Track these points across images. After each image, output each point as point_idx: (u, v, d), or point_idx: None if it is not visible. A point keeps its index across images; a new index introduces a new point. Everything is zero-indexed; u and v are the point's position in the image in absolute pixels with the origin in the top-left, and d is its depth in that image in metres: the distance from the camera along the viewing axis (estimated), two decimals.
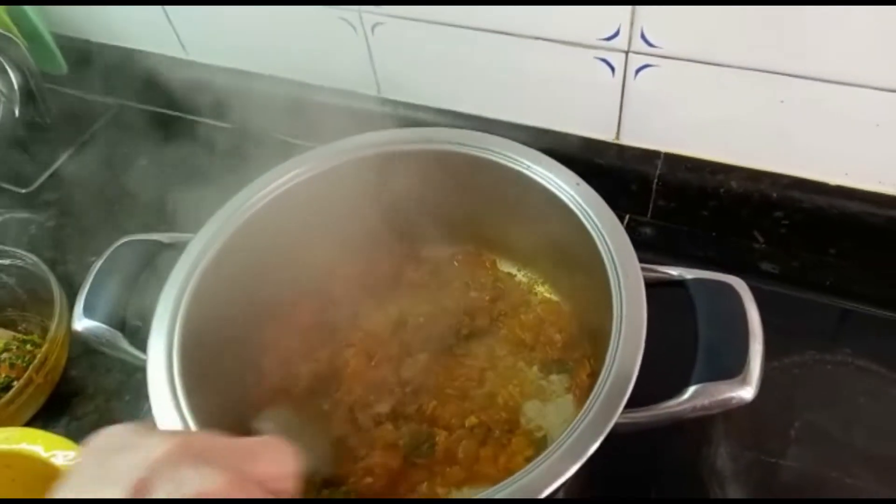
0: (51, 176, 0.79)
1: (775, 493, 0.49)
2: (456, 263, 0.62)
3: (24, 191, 0.77)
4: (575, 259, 0.51)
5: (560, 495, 0.48)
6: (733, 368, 0.41)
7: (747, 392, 0.40)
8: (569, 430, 0.40)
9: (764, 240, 0.60)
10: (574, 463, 0.38)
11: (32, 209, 0.76)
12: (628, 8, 0.50)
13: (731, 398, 0.40)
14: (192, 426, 0.42)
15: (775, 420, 0.52)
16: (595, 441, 0.39)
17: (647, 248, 0.48)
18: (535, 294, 0.60)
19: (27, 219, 0.75)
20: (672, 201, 0.62)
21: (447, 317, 0.56)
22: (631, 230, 0.52)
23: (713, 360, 0.41)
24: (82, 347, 0.62)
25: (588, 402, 0.41)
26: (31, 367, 0.54)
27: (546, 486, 0.37)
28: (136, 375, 0.62)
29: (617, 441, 0.51)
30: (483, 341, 0.56)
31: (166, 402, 0.43)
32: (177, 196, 0.74)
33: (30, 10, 0.72)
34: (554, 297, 0.59)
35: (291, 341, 0.58)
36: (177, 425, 0.42)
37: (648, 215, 0.64)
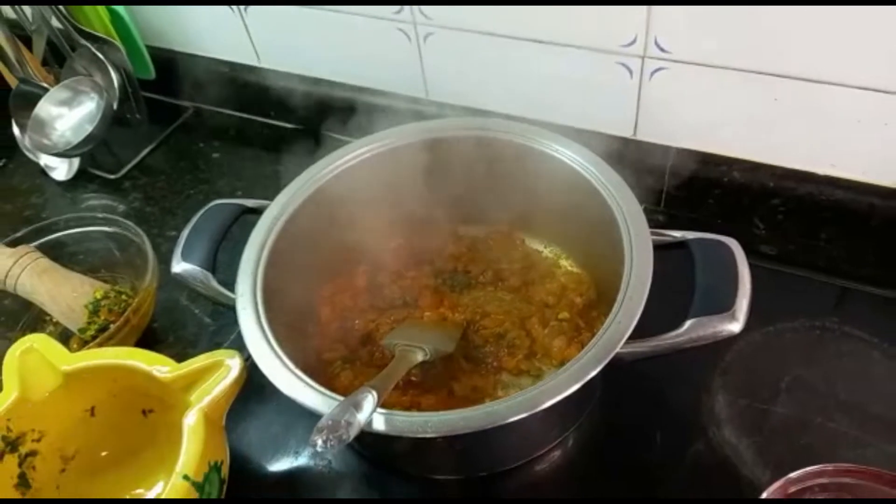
0: (136, 166, 0.90)
1: (765, 434, 0.56)
2: (490, 242, 0.71)
3: (112, 177, 0.88)
4: (595, 229, 0.59)
5: (572, 429, 0.56)
6: (724, 306, 0.48)
7: (735, 325, 0.48)
8: (579, 355, 0.48)
9: (763, 226, 0.68)
10: (579, 381, 0.46)
11: (120, 193, 0.87)
12: (644, 18, 0.60)
13: (722, 330, 0.48)
14: (277, 347, 0.51)
15: (768, 374, 0.60)
16: (601, 363, 0.47)
17: None
18: (560, 267, 0.68)
19: (115, 200, 0.86)
20: (682, 191, 0.70)
21: (485, 273, 0.66)
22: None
23: (707, 299, 0.49)
24: (163, 307, 0.72)
25: (598, 334, 0.49)
26: (128, 310, 0.63)
27: (558, 395, 0.45)
28: (208, 328, 0.72)
29: (627, 387, 0.59)
30: (513, 295, 0.65)
31: (253, 328, 0.53)
32: (245, 185, 0.85)
33: (128, 21, 0.84)
34: (576, 270, 0.67)
35: (346, 299, 0.67)
36: (263, 346, 0.51)
37: (661, 205, 0.72)
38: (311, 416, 0.62)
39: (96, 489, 0.58)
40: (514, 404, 0.45)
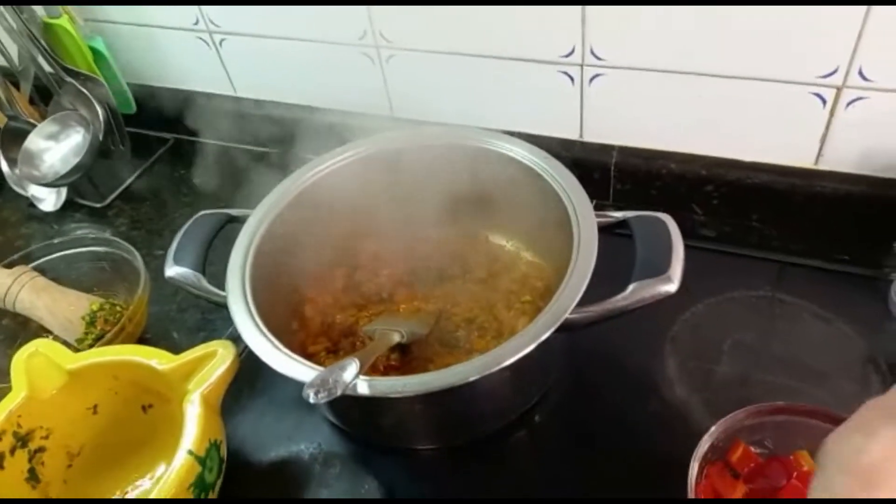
0: (120, 195, 0.95)
1: (711, 389, 0.63)
2: (457, 240, 0.77)
3: (99, 205, 0.93)
4: (550, 220, 0.65)
5: (541, 398, 0.61)
6: (661, 270, 0.55)
7: (671, 286, 0.54)
8: (535, 320, 0.54)
9: (701, 211, 0.76)
10: (536, 340, 0.52)
11: (106, 220, 0.92)
12: (579, 29, 0.68)
13: (661, 291, 0.54)
14: (270, 335, 0.57)
15: (711, 339, 0.66)
16: (555, 325, 0.53)
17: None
18: (522, 258, 0.74)
19: (102, 227, 0.91)
20: (627, 185, 0.78)
21: (453, 268, 0.72)
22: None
23: (647, 266, 0.56)
24: (154, 319, 0.77)
25: (551, 302, 0.55)
26: (123, 318, 0.68)
27: (505, 360, 0.51)
28: (197, 336, 0.76)
29: (589, 358, 0.66)
30: (480, 286, 0.71)
31: (245, 317, 0.58)
32: (226, 205, 0.91)
33: (109, 59, 0.90)
34: (536, 260, 0.74)
35: (327, 297, 0.72)
36: (257, 335, 0.57)
37: (610, 199, 0.79)
38: (300, 404, 0.68)
39: (101, 483, 0.62)
40: (480, 363, 0.51)
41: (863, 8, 0.57)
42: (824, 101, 0.64)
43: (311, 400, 0.44)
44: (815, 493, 0.39)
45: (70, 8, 0.86)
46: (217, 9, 0.84)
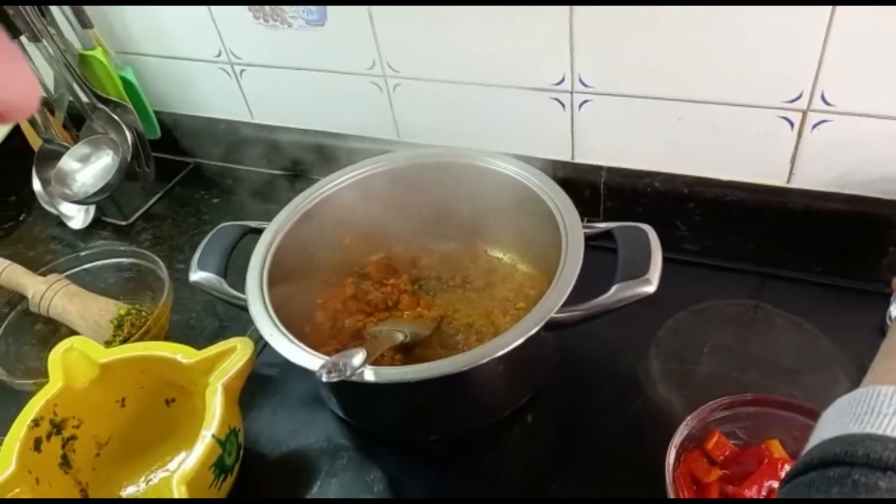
0: (143, 214, 1.02)
1: (691, 388, 0.68)
2: (457, 253, 0.83)
3: (124, 223, 1.00)
4: (543, 232, 0.71)
5: (535, 394, 0.66)
6: (641, 273, 0.61)
7: (650, 287, 0.60)
8: (525, 317, 0.59)
9: (685, 227, 0.81)
10: (525, 334, 0.57)
11: (130, 237, 0.98)
12: (568, 60, 0.74)
13: (640, 292, 0.60)
14: (286, 332, 0.62)
15: (693, 342, 0.71)
16: (542, 321, 0.58)
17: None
18: (518, 270, 0.80)
19: (127, 243, 0.97)
20: (616, 203, 0.83)
21: (454, 278, 0.78)
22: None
23: (628, 269, 0.61)
24: (175, 327, 0.83)
25: (539, 302, 0.60)
26: (149, 320, 0.74)
27: (497, 352, 0.56)
28: (216, 341, 0.82)
29: (580, 359, 0.71)
30: (478, 294, 0.77)
31: (263, 315, 0.64)
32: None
33: (138, 87, 0.98)
34: (531, 271, 0.79)
35: (337, 304, 0.78)
36: (274, 331, 0.62)
37: (600, 216, 0.85)
38: (310, 402, 0.73)
39: (126, 471, 0.67)
40: (476, 353, 0.56)
41: (821, 36, 0.63)
42: (792, 124, 0.70)
43: (324, 378, 0.50)
44: None
45: (103, 40, 0.93)
46: (238, 42, 0.92)
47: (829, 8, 0.62)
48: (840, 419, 0.36)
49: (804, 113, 0.69)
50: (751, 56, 0.67)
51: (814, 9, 0.62)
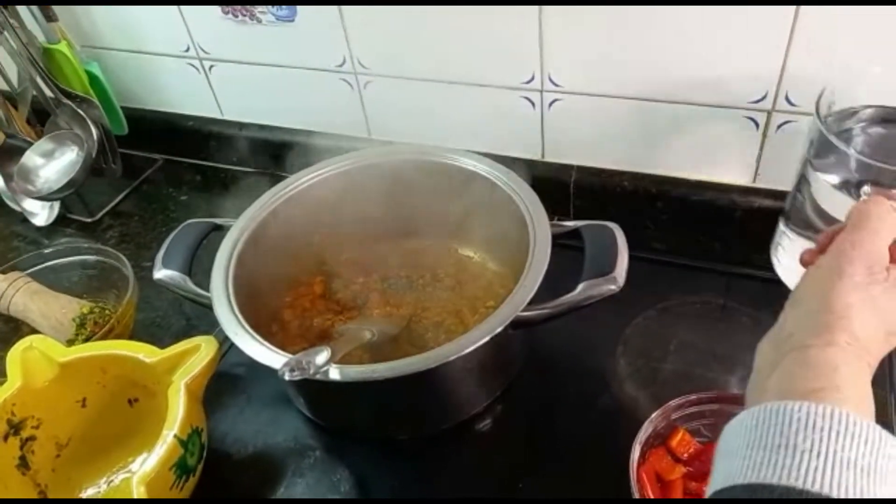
0: (109, 211, 1.00)
1: (657, 384, 0.68)
2: (428, 251, 0.83)
3: (90, 220, 0.98)
4: (510, 229, 0.71)
5: (504, 391, 0.65)
6: (607, 271, 0.61)
7: (616, 285, 0.60)
8: (492, 315, 0.59)
9: (653, 225, 0.82)
10: (492, 331, 0.57)
11: (96, 235, 0.97)
12: (538, 58, 0.74)
13: (606, 289, 0.60)
14: (250, 330, 0.61)
15: (659, 340, 0.72)
16: (509, 319, 0.58)
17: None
18: (488, 268, 0.80)
19: (93, 240, 0.95)
20: (586, 202, 0.84)
21: (424, 276, 0.78)
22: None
23: (594, 267, 0.62)
24: (139, 326, 0.82)
25: (507, 300, 0.60)
26: (113, 318, 0.73)
27: (465, 349, 0.56)
28: (183, 338, 0.81)
29: (548, 358, 0.71)
30: (448, 293, 0.76)
31: (228, 314, 0.63)
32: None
33: (104, 82, 0.96)
34: (500, 269, 0.79)
35: (305, 303, 0.77)
36: (238, 330, 0.61)
37: (571, 215, 0.86)
38: (277, 402, 0.72)
39: (87, 472, 0.66)
40: (440, 351, 0.56)
41: (786, 37, 0.64)
42: (757, 125, 0.71)
43: (287, 377, 0.49)
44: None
45: (68, 34, 0.91)
46: (207, 37, 0.91)
47: (793, 8, 0.62)
48: (749, 451, 0.32)
49: (769, 113, 0.70)
50: (718, 56, 0.68)
51: (778, 9, 0.63)
